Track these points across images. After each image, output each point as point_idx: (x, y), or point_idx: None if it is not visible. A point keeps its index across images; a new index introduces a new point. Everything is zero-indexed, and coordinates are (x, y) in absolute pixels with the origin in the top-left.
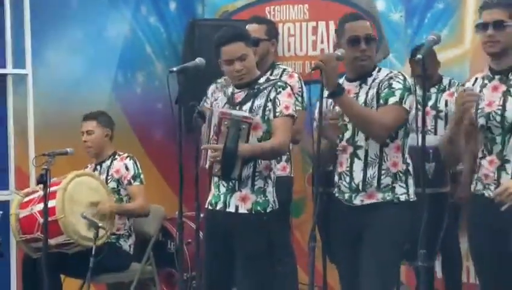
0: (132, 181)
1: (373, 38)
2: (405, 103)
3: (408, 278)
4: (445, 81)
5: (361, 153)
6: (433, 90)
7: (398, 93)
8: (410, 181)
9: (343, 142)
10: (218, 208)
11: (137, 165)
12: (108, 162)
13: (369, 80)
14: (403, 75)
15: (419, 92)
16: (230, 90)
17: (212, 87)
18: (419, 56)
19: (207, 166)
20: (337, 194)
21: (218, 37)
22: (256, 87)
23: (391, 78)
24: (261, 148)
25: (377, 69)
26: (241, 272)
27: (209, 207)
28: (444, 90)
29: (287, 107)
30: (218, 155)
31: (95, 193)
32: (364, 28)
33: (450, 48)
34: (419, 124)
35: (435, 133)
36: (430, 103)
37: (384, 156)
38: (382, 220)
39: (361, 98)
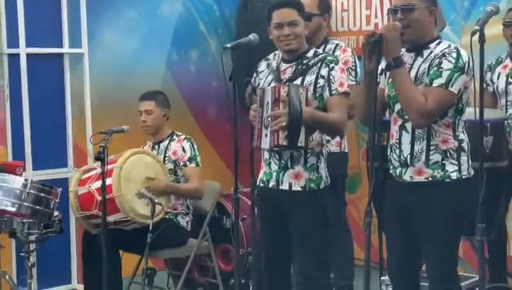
0: (188, 163)
1: None
2: (452, 86)
3: (466, 254)
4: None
5: (408, 126)
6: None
7: (445, 74)
8: (463, 158)
9: (394, 114)
10: (270, 185)
11: (194, 147)
12: (166, 143)
13: (426, 52)
14: (457, 52)
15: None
16: (275, 64)
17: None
18: (476, 27)
19: (263, 145)
20: (390, 170)
21: (272, 2)
22: (304, 62)
23: (444, 55)
24: (322, 115)
25: (436, 41)
26: (297, 249)
27: (261, 184)
28: (500, 63)
29: (341, 84)
30: (283, 120)
31: (152, 170)
32: None
33: None
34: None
35: None
36: None
37: (433, 132)
38: (434, 204)
39: (414, 71)
